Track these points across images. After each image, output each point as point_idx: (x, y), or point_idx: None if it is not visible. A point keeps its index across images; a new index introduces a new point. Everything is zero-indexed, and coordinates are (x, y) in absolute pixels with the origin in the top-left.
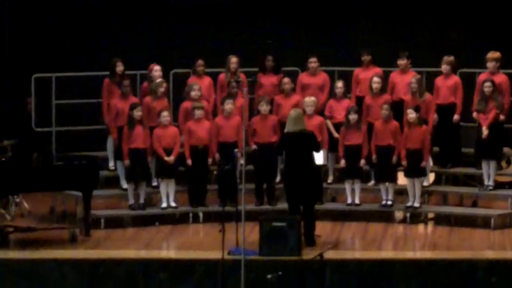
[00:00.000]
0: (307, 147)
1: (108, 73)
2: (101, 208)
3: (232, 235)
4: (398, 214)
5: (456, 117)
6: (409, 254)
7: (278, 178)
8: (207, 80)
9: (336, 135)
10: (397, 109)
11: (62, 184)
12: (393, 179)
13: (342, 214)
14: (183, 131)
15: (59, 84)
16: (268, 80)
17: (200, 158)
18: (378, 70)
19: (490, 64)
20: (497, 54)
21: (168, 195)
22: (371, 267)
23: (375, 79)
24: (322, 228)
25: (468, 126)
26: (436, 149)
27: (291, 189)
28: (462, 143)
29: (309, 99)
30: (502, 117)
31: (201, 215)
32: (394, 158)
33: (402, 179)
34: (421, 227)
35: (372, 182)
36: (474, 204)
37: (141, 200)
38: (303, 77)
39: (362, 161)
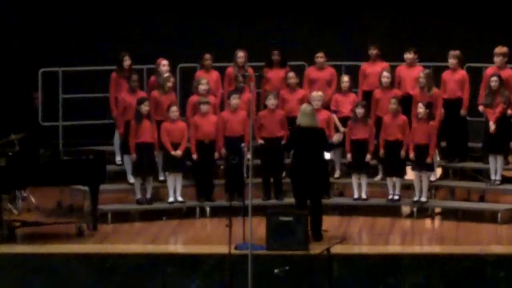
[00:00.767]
0: (318, 143)
1: (115, 67)
2: (108, 203)
3: (239, 229)
4: (405, 209)
5: (463, 111)
6: (416, 249)
7: (284, 173)
8: (214, 74)
9: (342, 129)
10: (404, 103)
11: (69, 179)
12: (401, 174)
13: (349, 209)
14: (190, 125)
15: (66, 78)
16: (274, 75)
17: (206, 152)
18: (385, 64)
19: (497, 59)
20: (504, 49)
21: (175, 190)
22: (378, 261)
23: (385, 73)
24: (329, 223)
25: (476, 121)
26: (443, 143)
27: (299, 183)
28: (469, 137)
29: (317, 94)
30: (510, 111)
31: (208, 209)
32: (403, 153)
33: (409, 174)
34: (428, 221)
35: (379, 177)
36: (481, 199)
37: (148, 195)
38: (311, 72)
39: (368, 156)
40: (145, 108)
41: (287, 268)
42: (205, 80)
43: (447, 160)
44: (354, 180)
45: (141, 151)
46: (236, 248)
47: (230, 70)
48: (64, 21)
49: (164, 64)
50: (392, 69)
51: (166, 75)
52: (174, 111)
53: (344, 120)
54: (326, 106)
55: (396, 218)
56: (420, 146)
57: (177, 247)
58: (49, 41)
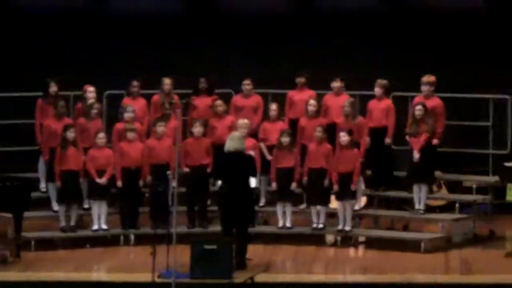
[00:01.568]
0: (246, 169)
1: (41, 93)
2: (32, 230)
3: (163, 257)
4: (330, 237)
5: (387, 140)
6: (340, 277)
7: (209, 201)
8: (141, 102)
9: (269, 157)
10: (331, 131)
11: None
12: (325, 202)
13: (273, 237)
14: (116, 152)
15: None
16: (201, 102)
17: (132, 179)
18: (312, 92)
19: (424, 88)
20: (432, 78)
21: (99, 217)
22: None
23: (312, 101)
24: (254, 251)
25: (402, 150)
26: (368, 172)
27: (227, 211)
28: (395, 166)
29: (242, 121)
30: (435, 141)
31: (132, 237)
32: (326, 181)
33: (334, 203)
34: (352, 250)
35: (303, 205)
36: (405, 228)
37: (73, 222)
38: (237, 99)
39: (294, 184)
40: (71, 134)
41: None
42: (131, 107)
43: (372, 188)
44: (279, 208)
45: (66, 179)
46: (159, 276)
47: (156, 97)
48: None
49: (90, 91)
50: (320, 98)
51: (90, 101)
52: (101, 137)
53: (272, 149)
54: (252, 134)
55: (320, 247)
56: (344, 174)
57: (100, 275)
58: None
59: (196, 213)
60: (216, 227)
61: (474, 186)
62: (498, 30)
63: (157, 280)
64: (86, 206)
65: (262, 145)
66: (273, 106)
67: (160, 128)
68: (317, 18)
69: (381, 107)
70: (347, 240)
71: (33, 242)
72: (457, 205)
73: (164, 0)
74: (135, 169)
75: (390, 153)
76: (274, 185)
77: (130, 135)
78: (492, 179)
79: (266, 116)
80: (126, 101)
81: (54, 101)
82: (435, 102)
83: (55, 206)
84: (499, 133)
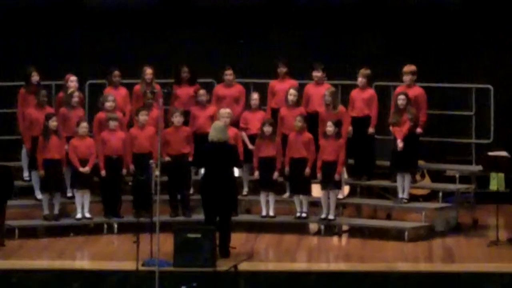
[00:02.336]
0: (228, 159)
1: (23, 82)
2: (15, 218)
3: (146, 246)
4: (313, 226)
5: (370, 129)
6: (323, 266)
7: (192, 189)
8: (123, 91)
9: (250, 146)
10: (312, 121)
11: None
12: (307, 191)
13: (256, 226)
14: (97, 141)
15: None
16: (183, 92)
17: (114, 168)
18: (294, 82)
19: (406, 77)
20: (412, 67)
21: (83, 206)
22: (285, 278)
23: (292, 91)
24: (237, 240)
25: (385, 139)
26: (351, 161)
27: (209, 199)
28: (378, 155)
29: (224, 111)
30: (418, 130)
31: (115, 225)
32: (307, 171)
33: (317, 191)
34: (335, 239)
35: (287, 194)
36: (388, 217)
37: (56, 211)
38: (219, 89)
39: (276, 174)
40: (53, 123)
41: (194, 284)
42: (112, 96)
43: (354, 177)
44: (262, 197)
45: (49, 167)
46: (143, 264)
47: (138, 87)
48: None
49: (72, 80)
50: (302, 87)
51: (70, 90)
52: (84, 127)
53: (253, 138)
54: (234, 123)
55: (303, 236)
56: (328, 163)
57: (83, 263)
58: None
59: (179, 201)
60: (199, 216)
61: (457, 175)
62: (481, 19)
63: (141, 268)
64: (69, 194)
65: (244, 134)
66: (255, 96)
67: (142, 117)
68: (298, 8)
69: (364, 97)
70: (330, 228)
71: (16, 230)
72: (440, 194)
73: None
74: (116, 158)
75: (372, 143)
76: (256, 174)
77: (112, 124)
78: (475, 168)
79: (247, 106)
80: (108, 90)
81: (36, 90)
82: (417, 91)
83: (39, 195)
84: (482, 123)
